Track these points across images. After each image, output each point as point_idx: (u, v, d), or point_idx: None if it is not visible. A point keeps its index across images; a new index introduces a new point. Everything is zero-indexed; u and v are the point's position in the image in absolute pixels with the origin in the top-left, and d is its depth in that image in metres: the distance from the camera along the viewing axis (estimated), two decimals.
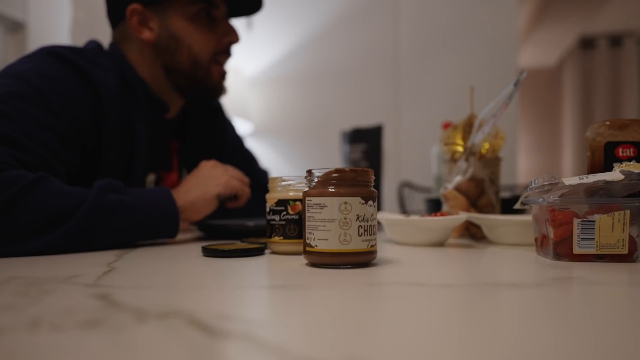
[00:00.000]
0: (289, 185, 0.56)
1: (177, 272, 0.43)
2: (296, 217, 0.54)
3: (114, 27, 0.83)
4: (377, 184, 1.05)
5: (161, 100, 0.84)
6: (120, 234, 0.60)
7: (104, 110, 0.72)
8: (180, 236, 0.79)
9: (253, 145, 2.32)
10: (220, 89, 0.88)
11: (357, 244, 0.44)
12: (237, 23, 2.42)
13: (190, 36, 0.80)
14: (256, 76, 2.42)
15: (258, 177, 1.05)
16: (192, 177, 0.75)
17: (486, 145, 0.74)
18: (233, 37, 0.85)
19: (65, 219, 0.56)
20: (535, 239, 0.54)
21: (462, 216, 0.64)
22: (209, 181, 0.73)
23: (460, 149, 0.75)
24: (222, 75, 0.87)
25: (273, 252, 0.57)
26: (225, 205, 0.78)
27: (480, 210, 0.73)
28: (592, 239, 0.47)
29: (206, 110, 1.00)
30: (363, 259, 0.45)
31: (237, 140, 1.08)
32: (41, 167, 0.61)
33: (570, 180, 0.47)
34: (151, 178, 0.89)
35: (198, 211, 0.72)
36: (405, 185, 2.09)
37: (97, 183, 0.60)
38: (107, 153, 0.74)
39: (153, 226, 0.64)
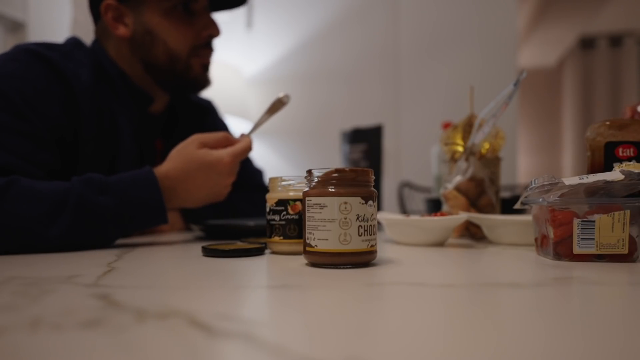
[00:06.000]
0: (289, 185, 0.56)
1: (177, 272, 0.43)
2: (296, 217, 0.54)
3: (96, 23, 0.83)
4: (377, 184, 1.05)
5: (144, 91, 0.83)
6: (103, 235, 0.60)
7: (77, 102, 0.71)
8: (180, 236, 0.79)
9: (253, 145, 2.32)
10: (202, 82, 0.86)
11: (357, 244, 0.44)
12: (237, 23, 2.42)
13: (165, 31, 0.78)
14: (256, 76, 2.42)
15: (252, 177, 1.04)
16: (196, 171, 0.67)
17: (486, 145, 0.74)
18: (213, 30, 0.83)
19: (43, 226, 0.55)
20: (535, 239, 0.54)
21: (462, 216, 0.64)
22: (215, 185, 0.69)
23: (460, 149, 0.75)
24: (205, 67, 0.85)
25: (273, 252, 0.57)
26: None
27: (480, 210, 0.73)
28: (592, 239, 0.47)
29: (195, 110, 0.98)
30: (363, 259, 0.45)
31: None
32: (17, 173, 0.60)
33: (570, 180, 0.47)
34: None
35: (196, 204, 0.71)
36: (405, 185, 2.09)
37: (74, 181, 0.59)
38: (86, 146, 0.73)
39: (137, 224, 0.63)
